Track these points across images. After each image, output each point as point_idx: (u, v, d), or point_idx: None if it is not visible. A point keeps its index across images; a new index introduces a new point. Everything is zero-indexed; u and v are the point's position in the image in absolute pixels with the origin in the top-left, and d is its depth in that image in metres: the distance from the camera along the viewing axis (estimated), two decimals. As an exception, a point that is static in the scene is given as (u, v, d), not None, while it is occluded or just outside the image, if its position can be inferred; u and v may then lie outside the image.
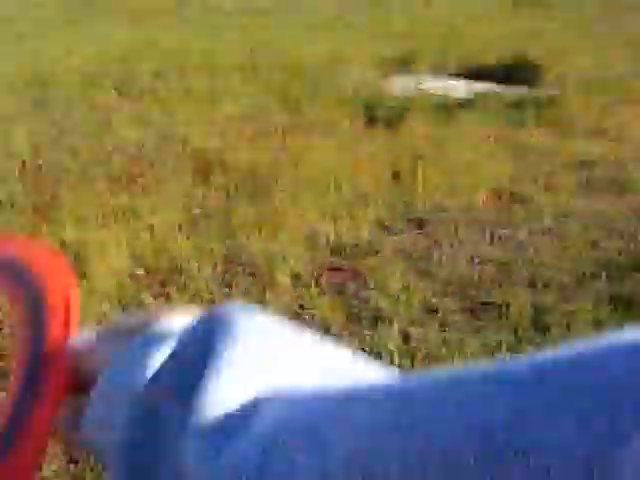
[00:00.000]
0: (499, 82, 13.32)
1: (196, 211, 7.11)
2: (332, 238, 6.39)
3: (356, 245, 6.26)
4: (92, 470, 3.67)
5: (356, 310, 5.25)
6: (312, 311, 5.24)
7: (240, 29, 20.74)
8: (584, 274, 5.73)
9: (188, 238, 6.37)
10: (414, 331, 4.97)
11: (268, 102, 11.28)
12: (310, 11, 24.39)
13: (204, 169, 8.23)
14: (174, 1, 25.73)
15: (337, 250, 6.22)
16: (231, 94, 11.68)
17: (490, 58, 14.29)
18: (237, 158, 8.28)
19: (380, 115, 10.71)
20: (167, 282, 5.72)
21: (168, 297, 5.50)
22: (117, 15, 21.36)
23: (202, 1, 25.62)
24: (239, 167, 8.09)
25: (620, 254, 6.14)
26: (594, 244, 6.32)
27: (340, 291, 5.55)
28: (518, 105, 11.14)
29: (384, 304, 5.23)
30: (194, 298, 5.50)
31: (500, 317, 5.16)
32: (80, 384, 0.64)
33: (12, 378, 0.64)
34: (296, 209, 6.78)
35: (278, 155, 8.53)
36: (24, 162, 8.20)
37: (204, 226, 6.67)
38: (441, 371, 0.49)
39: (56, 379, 0.63)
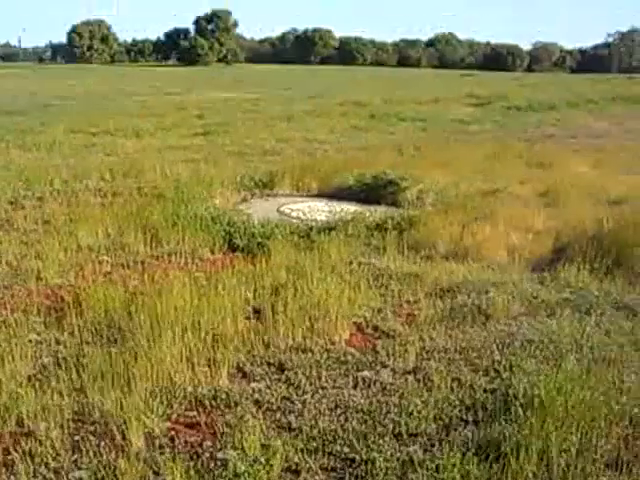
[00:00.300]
0: (360, 202, 13.43)
1: (46, 359, 6.64)
2: (189, 389, 6.02)
3: (214, 397, 5.90)
4: None
5: (212, 476, 4.87)
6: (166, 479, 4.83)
7: (100, 149, 20.52)
8: (451, 420, 5.53)
9: (36, 393, 5.87)
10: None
11: (127, 230, 10.90)
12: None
13: (58, 309, 7.78)
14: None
15: (195, 402, 5.85)
16: (90, 222, 11.26)
17: (349, 177, 14.42)
18: (93, 296, 7.84)
19: (241, 243, 10.51)
20: (12, 447, 5.21)
21: (13, 466, 5.00)
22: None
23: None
24: (95, 306, 7.66)
25: (486, 392, 6.00)
26: (459, 383, 6.16)
27: (196, 453, 5.17)
28: (380, 227, 11.15)
29: (243, 467, 4.87)
30: (40, 466, 5.03)
31: (365, 475, 4.89)
32: None
33: None
34: (154, 352, 6.39)
35: (136, 291, 8.15)
36: None
37: (54, 378, 6.19)
38: None
39: None
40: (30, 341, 6.97)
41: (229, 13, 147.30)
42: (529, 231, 11.11)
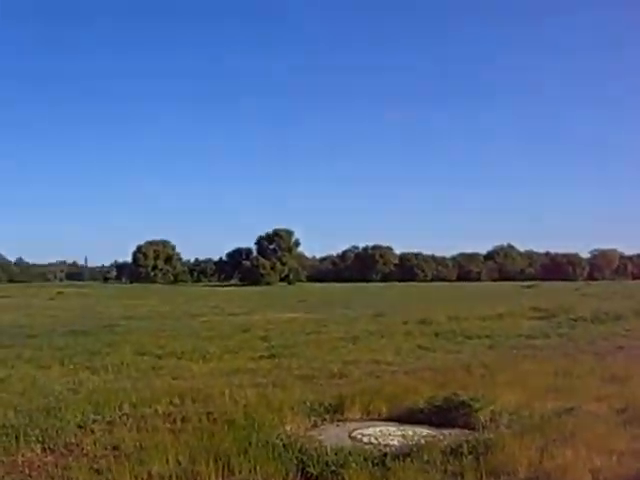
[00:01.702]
0: (432, 425, 13.19)
1: None
2: None
3: None
4: None
5: None
6: None
7: (167, 372, 20.67)
8: None
9: None
10: None
11: (198, 458, 10.79)
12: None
13: None
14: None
15: None
16: (160, 449, 11.19)
17: (420, 399, 14.25)
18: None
19: (315, 472, 10.31)
20: None
21: None
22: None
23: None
24: None
25: None
26: None
27: None
28: (455, 452, 10.86)
29: None
30: None
31: None
32: None
33: None
34: None
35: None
36: None
37: None
38: None
39: None
40: None
41: (291, 232, 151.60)
42: (613, 453, 10.71)
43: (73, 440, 12.16)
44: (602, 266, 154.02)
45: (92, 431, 12.80)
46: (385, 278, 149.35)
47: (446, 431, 12.46)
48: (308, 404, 14.65)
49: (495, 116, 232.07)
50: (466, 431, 12.44)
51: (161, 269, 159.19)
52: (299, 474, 10.39)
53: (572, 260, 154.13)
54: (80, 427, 13.05)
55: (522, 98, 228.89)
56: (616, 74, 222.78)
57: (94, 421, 13.44)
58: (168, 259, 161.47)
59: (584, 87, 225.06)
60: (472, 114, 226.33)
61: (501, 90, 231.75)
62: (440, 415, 13.48)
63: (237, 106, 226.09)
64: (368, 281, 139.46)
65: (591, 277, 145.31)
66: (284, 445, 11.30)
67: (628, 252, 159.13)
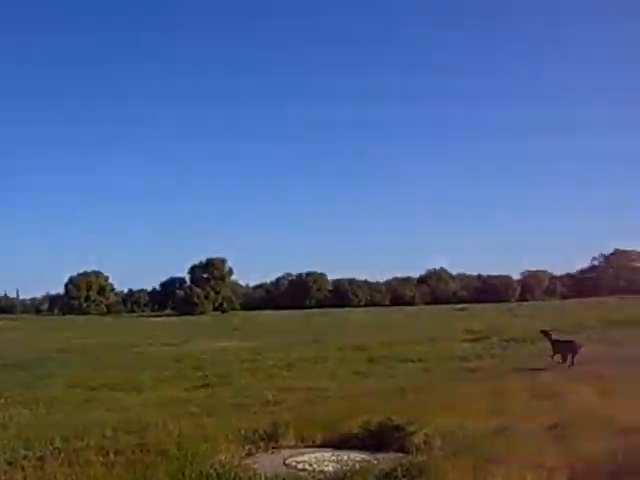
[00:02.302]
0: (367, 449, 13.19)
1: None
2: None
3: None
4: None
5: None
6: None
7: (100, 404, 20.33)
8: None
9: None
10: None
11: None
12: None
13: None
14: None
15: None
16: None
17: (354, 425, 14.24)
18: None
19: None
20: None
21: None
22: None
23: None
24: None
25: None
26: None
27: None
28: (389, 476, 10.87)
29: None
30: None
31: None
32: None
33: None
34: None
35: None
36: None
37: None
38: None
39: None
40: None
41: (224, 261, 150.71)
42: (543, 468, 10.85)
43: (2, 477, 11.84)
44: (533, 287, 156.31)
45: (22, 467, 12.46)
46: (319, 304, 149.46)
47: (380, 455, 12.48)
48: (242, 432, 14.53)
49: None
50: (400, 455, 12.46)
51: (94, 300, 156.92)
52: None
53: (503, 282, 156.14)
54: (10, 463, 12.73)
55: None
56: None
57: (24, 457, 13.09)
58: (101, 290, 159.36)
59: None
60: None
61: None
62: (374, 440, 13.51)
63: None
64: (302, 308, 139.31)
65: (522, 298, 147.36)
66: (218, 475, 11.20)
67: (557, 273, 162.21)
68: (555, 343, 27.05)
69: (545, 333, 28.27)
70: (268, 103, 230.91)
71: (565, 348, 26.31)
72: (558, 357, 26.25)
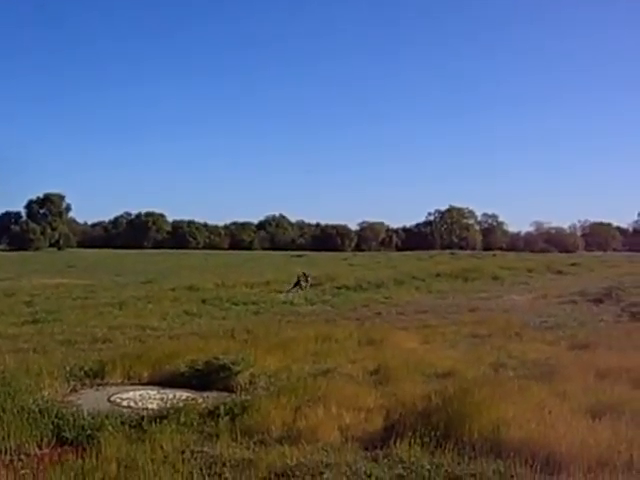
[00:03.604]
0: (193, 388, 13.36)
1: None
2: None
3: None
4: None
5: None
6: None
7: None
8: None
9: None
10: None
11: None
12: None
13: None
14: None
15: None
16: None
17: (182, 363, 14.35)
18: None
19: (70, 436, 10.20)
20: None
21: None
22: None
23: None
24: None
25: None
26: None
27: None
28: (212, 414, 11.07)
29: None
30: None
31: None
32: None
33: None
34: None
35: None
36: None
37: None
38: None
39: None
40: None
41: (62, 197, 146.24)
42: (361, 410, 11.33)
43: None
44: (369, 238, 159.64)
45: None
46: (157, 245, 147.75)
47: (205, 394, 12.66)
48: (68, 369, 14.39)
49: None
50: (225, 394, 12.69)
51: None
52: (54, 439, 10.25)
53: (341, 231, 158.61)
54: None
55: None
56: None
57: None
58: None
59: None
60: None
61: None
62: (201, 379, 13.67)
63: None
64: (140, 248, 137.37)
65: (359, 248, 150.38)
66: (40, 410, 11.06)
67: (393, 225, 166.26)
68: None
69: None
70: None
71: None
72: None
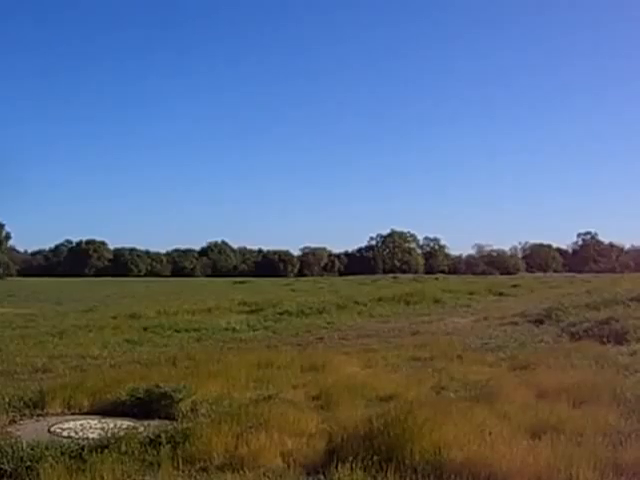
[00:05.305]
0: (134, 417, 13.28)
1: None
2: None
3: None
4: None
5: None
6: None
7: None
8: None
9: None
10: None
11: None
12: None
13: None
14: None
15: None
16: None
17: (122, 392, 14.26)
18: None
19: (8, 468, 10.07)
20: None
21: None
22: None
23: None
24: None
25: None
26: None
27: None
28: (154, 442, 11.03)
29: None
30: None
31: None
32: None
33: None
34: None
35: None
36: None
37: None
38: None
39: None
40: None
41: (1, 226, 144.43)
42: (303, 435, 11.41)
43: None
44: (312, 263, 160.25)
45: None
46: (99, 273, 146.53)
47: (147, 422, 12.59)
48: (7, 400, 14.23)
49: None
50: (167, 422, 12.64)
51: None
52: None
53: (283, 257, 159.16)
54: None
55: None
56: None
57: None
58: None
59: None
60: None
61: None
62: (142, 407, 13.60)
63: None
64: (82, 276, 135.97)
65: (302, 274, 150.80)
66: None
67: (336, 250, 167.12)
68: None
69: None
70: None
71: None
72: None
